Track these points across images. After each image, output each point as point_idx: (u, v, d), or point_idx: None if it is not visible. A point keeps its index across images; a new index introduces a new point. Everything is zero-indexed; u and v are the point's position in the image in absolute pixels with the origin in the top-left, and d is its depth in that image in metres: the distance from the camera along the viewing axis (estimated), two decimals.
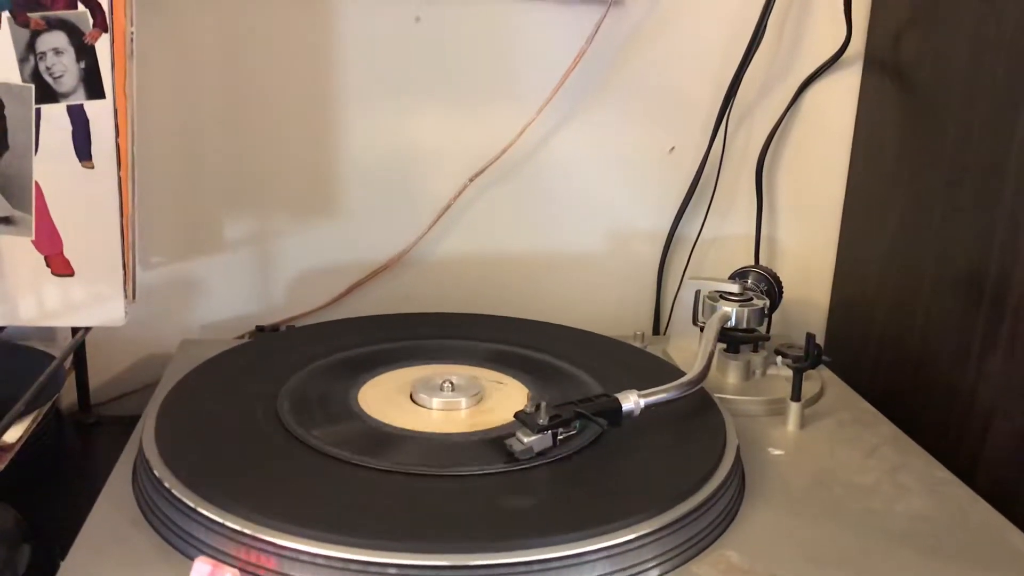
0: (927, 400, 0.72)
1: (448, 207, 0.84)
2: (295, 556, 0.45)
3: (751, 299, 0.72)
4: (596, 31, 0.79)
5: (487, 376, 0.65)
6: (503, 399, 0.62)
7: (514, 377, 0.66)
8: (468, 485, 0.51)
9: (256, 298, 0.84)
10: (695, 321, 0.74)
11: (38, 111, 0.60)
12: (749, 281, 0.77)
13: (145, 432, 0.56)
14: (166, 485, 0.50)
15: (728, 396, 0.67)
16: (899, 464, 0.61)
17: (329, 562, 0.44)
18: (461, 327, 0.74)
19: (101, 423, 0.78)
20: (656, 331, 0.89)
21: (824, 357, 0.68)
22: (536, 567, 0.45)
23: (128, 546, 0.49)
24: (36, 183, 0.62)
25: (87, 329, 0.68)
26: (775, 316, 0.80)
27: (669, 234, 0.87)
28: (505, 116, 0.82)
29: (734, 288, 0.73)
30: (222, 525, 0.47)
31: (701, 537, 0.50)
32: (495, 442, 0.55)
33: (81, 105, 0.61)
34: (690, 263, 0.88)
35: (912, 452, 0.63)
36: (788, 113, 0.85)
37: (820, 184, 0.88)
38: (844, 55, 0.83)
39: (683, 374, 0.61)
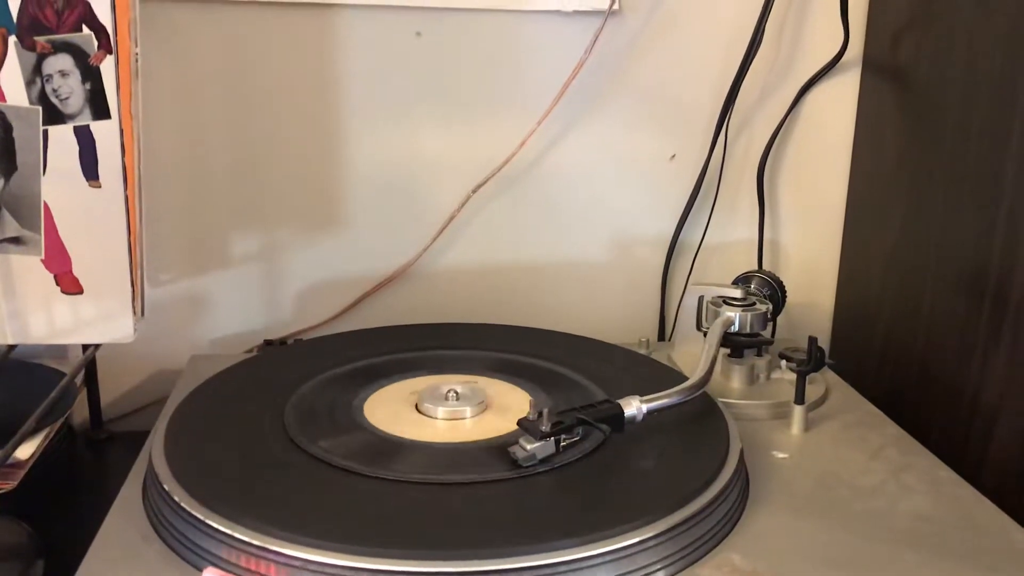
0: (932, 401, 0.72)
1: (452, 218, 0.84)
2: (302, 565, 0.45)
3: (754, 304, 0.72)
4: (595, 41, 0.80)
5: (493, 385, 0.66)
6: (508, 407, 0.62)
7: (519, 386, 0.66)
8: (472, 493, 0.51)
9: (264, 312, 0.85)
10: (699, 327, 0.75)
11: (45, 132, 0.61)
12: (752, 286, 0.77)
13: (154, 446, 0.56)
14: (175, 498, 0.50)
15: (732, 401, 0.68)
16: (903, 465, 0.61)
17: (336, 571, 0.45)
18: (466, 337, 0.75)
19: (113, 439, 0.78)
20: (661, 337, 0.90)
21: (828, 360, 0.68)
22: (541, 572, 0.45)
23: (138, 559, 0.49)
24: (44, 203, 0.62)
25: (97, 346, 0.69)
26: (781, 320, 0.81)
27: (672, 241, 0.87)
28: (507, 127, 0.83)
29: (737, 293, 0.73)
30: (231, 536, 0.47)
31: (705, 540, 0.50)
32: (499, 450, 0.55)
33: (87, 126, 0.62)
34: (694, 269, 0.88)
35: (916, 453, 0.63)
36: (788, 118, 0.85)
37: (822, 187, 0.88)
38: (842, 59, 0.83)
39: (687, 379, 0.61)
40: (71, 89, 0.61)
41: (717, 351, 0.67)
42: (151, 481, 0.54)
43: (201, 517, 0.49)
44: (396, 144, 0.83)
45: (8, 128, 0.61)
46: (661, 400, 0.58)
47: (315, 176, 0.83)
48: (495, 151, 0.83)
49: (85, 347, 0.73)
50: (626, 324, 0.89)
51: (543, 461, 0.53)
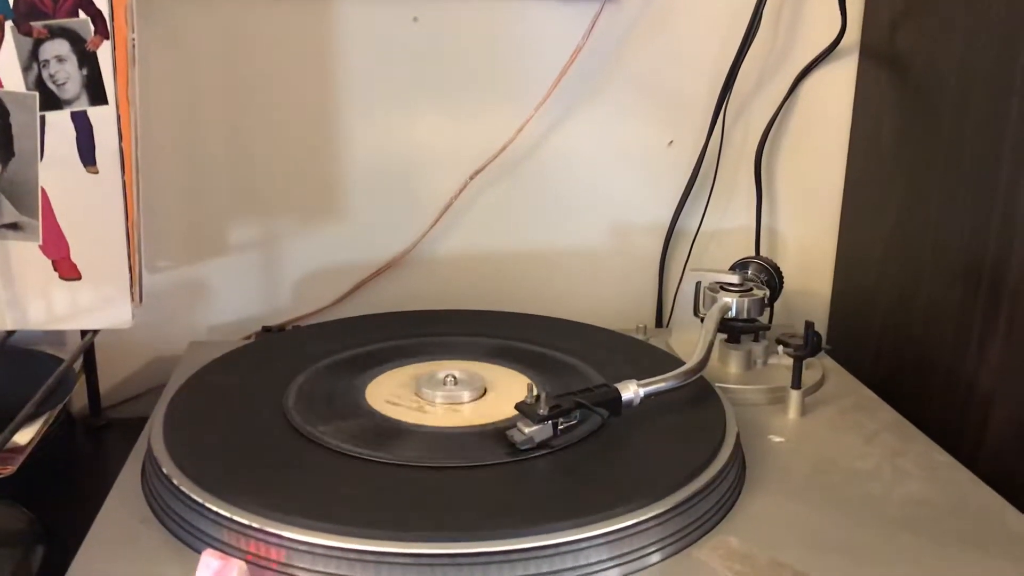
0: (929, 386, 0.72)
1: (450, 205, 0.84)
2: (301, 548, 0.46)
3: (751, 289, 0.72)
4: (592, 27, 0.80)
5: (491, 371, 0.66)
6: (506, 392, 0.62)
7: (517, 371, 0.66)
8: (470, 476, 0.51)
9: (262, 299, 0.85)
10: (696, 312, 0.75)
11: (42, 118, 0.61)
12: (749, 272, 0.77)
13: (153, 430, 0.57)
14: (174, 482, 0.51)
15: (730, 386, 0.68)
16: (899, 449, 0.61)
17: (334, 552, 0.45)
18: (464, 323, 0.75)
19: (111, 425, 0.78)
20: (659, 324, 0.90)
21: (825, 345, 0.68)
22: (539, 553, 0.46)
23: (138, 542, 0.49)
24: (42, 189, 0.63)
25: (95, 332, 0.69)
26: (779, 306, 0.81)
27: (670, 227, 0.88)
28: (504, 114, 0.83)
29: (734, 279, 0.73)
30: (230, 519, 0.47)
31: (701, 523, 0.50)
32: (497, 434, 0.55)
33: (84, 111, 0.62)
34: (691, 255, 0.88)
35: (912, 437, 0.63)
36: (785, 104, 0.85)
37: (819, 174, 0.88)
38: (840, 45, 0.83)
39: (684, 364, 0.62)
40: (68, 74, 0.61)
41: (714, 336, 0.67)
42: (150, 465, 0.54)
43: (200, 500, 0.49)
44: (394, 130, 0.83)
45: (5, 114, 0.61)
46: (658, 384, 0.58)
47: (313, 162, 0.83)
48: (493, 137, 0.83)
49: (83, 333, 0.73)
50: (624, 310, 0.89)
51: (541, 444, 0.54)
